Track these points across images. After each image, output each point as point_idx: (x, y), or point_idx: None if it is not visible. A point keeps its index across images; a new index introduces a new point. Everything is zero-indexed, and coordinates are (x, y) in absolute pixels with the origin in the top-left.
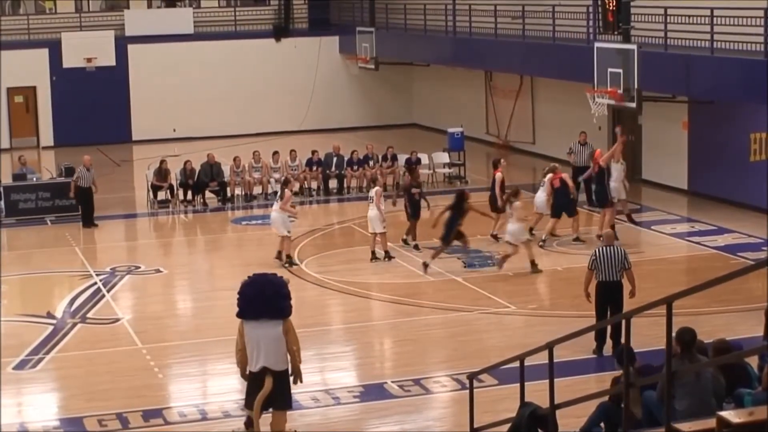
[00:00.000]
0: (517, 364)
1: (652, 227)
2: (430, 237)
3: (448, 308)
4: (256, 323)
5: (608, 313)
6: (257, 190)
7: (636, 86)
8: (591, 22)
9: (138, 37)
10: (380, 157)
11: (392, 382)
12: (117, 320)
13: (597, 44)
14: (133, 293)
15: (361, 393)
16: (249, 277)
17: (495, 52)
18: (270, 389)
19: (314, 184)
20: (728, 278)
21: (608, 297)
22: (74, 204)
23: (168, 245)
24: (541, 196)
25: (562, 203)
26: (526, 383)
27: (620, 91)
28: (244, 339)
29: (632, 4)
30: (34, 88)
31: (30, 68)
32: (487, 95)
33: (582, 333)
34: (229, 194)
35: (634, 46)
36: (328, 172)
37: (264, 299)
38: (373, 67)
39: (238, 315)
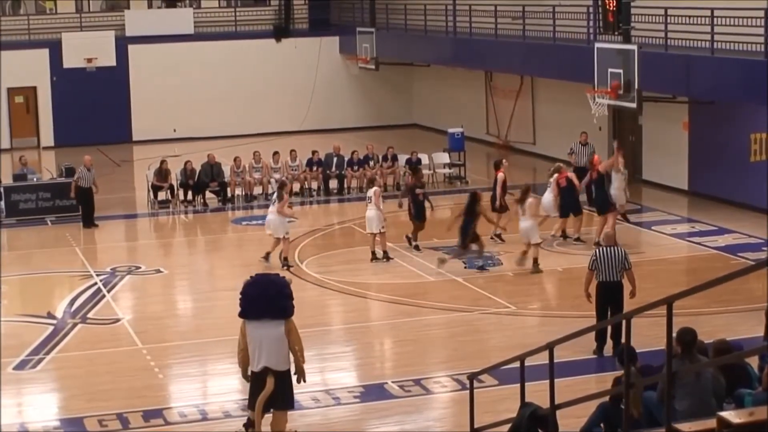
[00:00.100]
0: (517, 364)
1: (653, 228)
2: (430, 237)
3: (448, 308)
4: (258, 323)
5: (608, 313)
6: (257, 190)
7: (636, 86)
8: (591, 23)
9: (138, 38)
10: (380, 158)
11: (392, 382)
12: (117, 320)
13: (597, 44)
14: (134, 293)
15: (361, 393)
16: (251, 277)
17: (495, 53)
18: (271, 389)
19: (314, 185)
20: (728, 278)
21: (608, 297)
22: (74, 204)
23: (168, 245)
24: (548, 197)
25: (568, 202)
26: (526, 383)
27: (618, 86)
28: (246, 339)
29: (632, 4)
30: (34, 88)
31: (30, 68)
32: (488, 95)
33: (582, 333)
34: (229, 194)
35: (634, 47)
36: (328, 172)
37: (266, 299)
38: (373, 67)
39: (241, 315)
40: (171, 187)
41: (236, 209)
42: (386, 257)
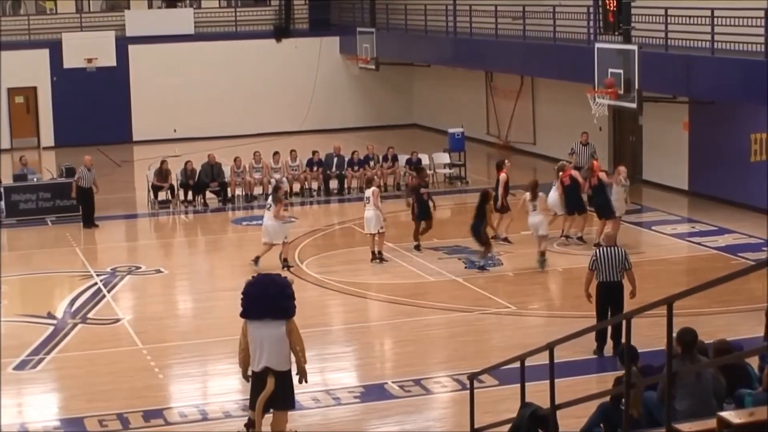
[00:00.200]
0: (517, 364)
1: (653, 228)
2: (430, 237)
3: (448, 308)
4: (260, 323)
5: (609, 313)
6: (258, 190)
7: (636, 86)
8: (591, 23)
9: (138, 38)
10: (381, 158)
11: (393, 382)
12: (117, 321)
13: (597, 45)
14: (134, 294)
15: (361, 393)
16: (253, 276)
17: (495, 53)
18: (272, 390)
19: (315, 185)
20: (729, 279)
21: (609, 297)
22: (75, 204)
23: (168, 246)
24: (554, 195)
25: (572, 200)
26: (526, 384)
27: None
28: (247, 339)
29: (633, 4)
30: (34, 88)
31: (31, 69)
32: (488, 96)
33: (582, 333)
34: (229, 195)
35: (634, 47)
36: (328, 172)
37: (268, 299)
38: (373, 67)
39: (242, 315)
40: (171, 188)
41: (236, 209)
42: (380, 258)
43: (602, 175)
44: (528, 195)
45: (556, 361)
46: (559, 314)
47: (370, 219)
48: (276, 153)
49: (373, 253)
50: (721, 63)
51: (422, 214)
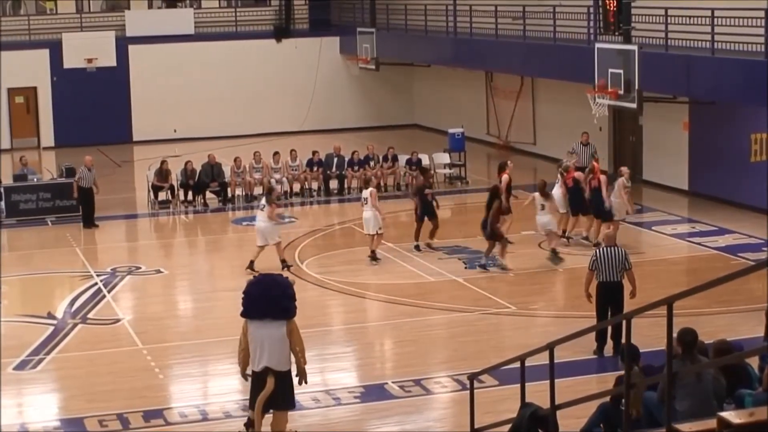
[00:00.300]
0: (517, 364)
1: (653, 228)
2: (430, 238)
3: (448, 309)
4: (261, 323)
5: (609, 313)
6: (258, 190)
7: (637, 87)
8: (591, 23)
9: (139, 38)
10: (381, 158)
11: (393, 382)
12: (118, 321)
13: (598, 45)
14: (134, 294)
15: (361, 393)
16: (254, 276)
17: (496, 53)
18: (271, 390)
19: (315, 185)
20: (729, 279)
21: (609, 297)
22: (75, 204)
23: (169, 246)
24: (557, 192)
25: (577, 202)
26: (526, 384)
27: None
28: (247, 338)
29: (633, 4)
30: (34, 88)
31: (31, 69)
32: (488, 96)
33: (583, 333)
34: (229, 195)
35: (634, 47)
36: (328, 172)
37: (269, 299)
38: (373, 67)
39: (243, 314)
40: (171, 188)
41: (236, 209)
42: (372, 257)
43: (602, 178)
44: (537, 194)
45: (556, 361)
46: (560, 314)
47: (369, 220)
48: (276, 153)
49: (373, 252)
50: (721, 63)
51: (425, 214)
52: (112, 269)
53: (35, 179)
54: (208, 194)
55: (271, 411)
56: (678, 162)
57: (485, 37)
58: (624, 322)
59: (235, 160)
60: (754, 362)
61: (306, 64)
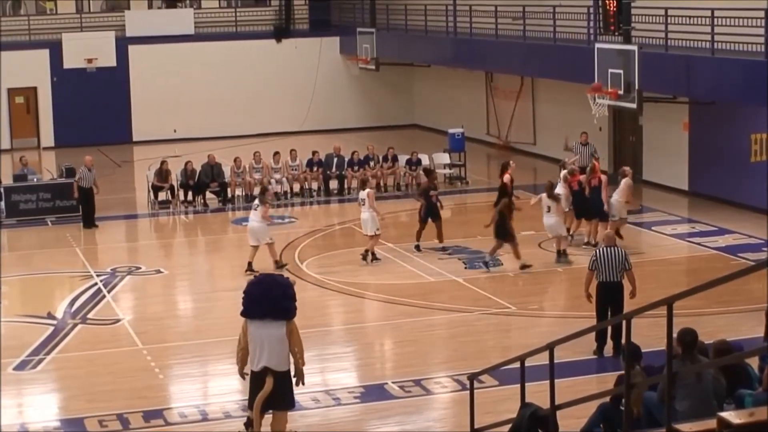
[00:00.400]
0: (517, 364)
1: (653, 228)
2: (431, 238)
3: (448, 309)
4: (261, 323)
5: (609, 313)
6: (258, 190)
7: (637, 87)
8: (591, 23)
9: (139, 38)
10: (381, 158)
11: (393, 382)
12: (117, 321)
13: (597, 45)
14: (134, 294)
15: (361, 394)
16: (255, 276)
17: (496, 53)
18: (270, 390)
19: (315, 185)
20: (729, 279)
21: (609, 298)
22: (75, 205)
23: (168, 246)
24: (559, 191)
25: (580, 206)
26: (526, 384)
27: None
28: (246, 338)
29: (633, 4)
30: (34, 88)
31: (31, 69)
32: (488, 96)
33: (583, 334)
34: (229, 195)
35: (634, 47)
36: (328, 172)
37: (270, 300)
38: (373, 67)
39: (243, 314)
40: (171, 188)
41: (236, 210)
42: (364, 258)
43: (603, 178)
44: (545, 195)
45: (556, 361)
46: (559, 314)
47: (366, 221)
48: (276, 153)
49: (372, 253)
50: (721, 63)
51: (429, 215)
52: (112, 269)
53: (35, 179)
54: (208, 194)
55: (271, 411)
56: (678, 162)
57: (485, 37)
58: (624, 322)
59: (235, 160)
60: (754, 362)
61: (306, 64)
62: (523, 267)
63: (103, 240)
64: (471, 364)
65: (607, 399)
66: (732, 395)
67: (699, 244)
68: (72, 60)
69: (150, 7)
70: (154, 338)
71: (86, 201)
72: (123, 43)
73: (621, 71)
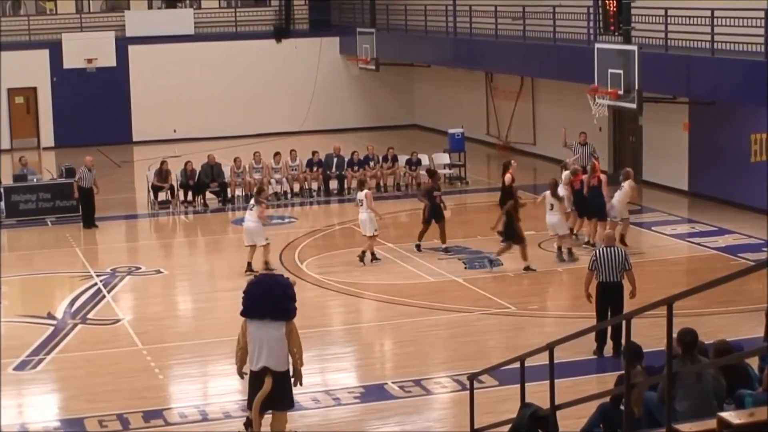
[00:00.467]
0: (517, 365)
1: (653, 228)
2: (432, 238)
3: (448, 309)
4: (260, 323)
5: (609, 314)
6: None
7: (637, 87)
8: (591, 23)
9: (138, 38)
10: (381, 158)
11: (393, 383)
12: (117, 321)
13: (597, 45)
14: (134, 294)
15: (361, 394)
16: (255, 276)
17: (495, 53)
18: (269, 389)
19: (315, 185)
20: (729, 279)
21: (609, 298)
22: (75, 205)
23: (168, 246)
24: (562, 192)
25: (582, 205)
26: (526, 384)
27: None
28: (246, 337)
29: (633, 4)
30: (34, 88)
31: (30, 69)
32: (488, 96)
33: (582, 334)
34: (229, 195)
35: (634, 47)
36: (328, 172)
37: (270, 300)
38: (373, 67)
39: (242, 314)
40: (171, 188)
41: (236, 210)
42: (361, 259)
43: (603, 178)
44: (548, 193)
45: (556, 361)
46: (559, 315)
47: (365, 222)
48: (276, 153)
49: (372, 253)
50: (721, 63)
51: (433, 216)
52: (112, 269)
53: (35, 179)
54: (208, 194)
55: (270, 411)
56: (678, 162)
57: (485, 38)
58: (624, 323)
59: (234, 160)
60: (754, 362)
61: (306, 65)
62: (527, 269)
63: (103, 240)
64: (471, 364)
65: (607, 399)
66: (732, 395)
67: (699, 244)
68: (72, 60)
69: (150, 7)
70: (154, 338)
71: (86, 201)
72: (123, 43)
73: (621, 71)
